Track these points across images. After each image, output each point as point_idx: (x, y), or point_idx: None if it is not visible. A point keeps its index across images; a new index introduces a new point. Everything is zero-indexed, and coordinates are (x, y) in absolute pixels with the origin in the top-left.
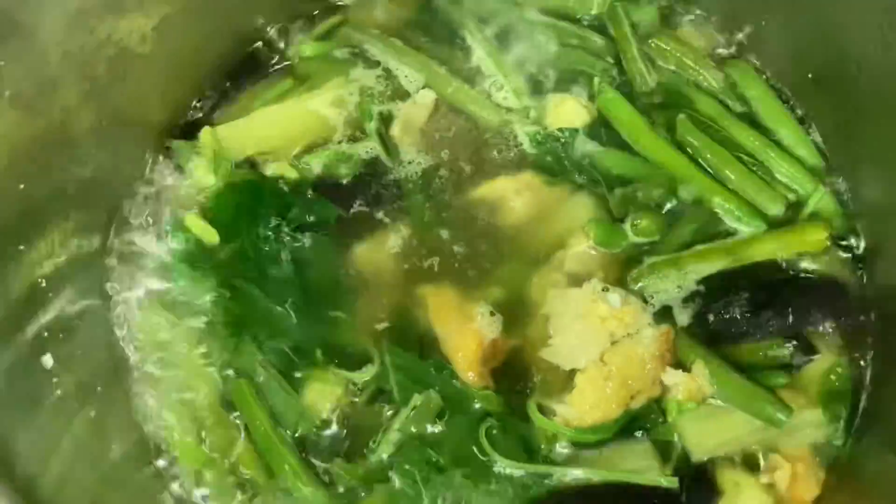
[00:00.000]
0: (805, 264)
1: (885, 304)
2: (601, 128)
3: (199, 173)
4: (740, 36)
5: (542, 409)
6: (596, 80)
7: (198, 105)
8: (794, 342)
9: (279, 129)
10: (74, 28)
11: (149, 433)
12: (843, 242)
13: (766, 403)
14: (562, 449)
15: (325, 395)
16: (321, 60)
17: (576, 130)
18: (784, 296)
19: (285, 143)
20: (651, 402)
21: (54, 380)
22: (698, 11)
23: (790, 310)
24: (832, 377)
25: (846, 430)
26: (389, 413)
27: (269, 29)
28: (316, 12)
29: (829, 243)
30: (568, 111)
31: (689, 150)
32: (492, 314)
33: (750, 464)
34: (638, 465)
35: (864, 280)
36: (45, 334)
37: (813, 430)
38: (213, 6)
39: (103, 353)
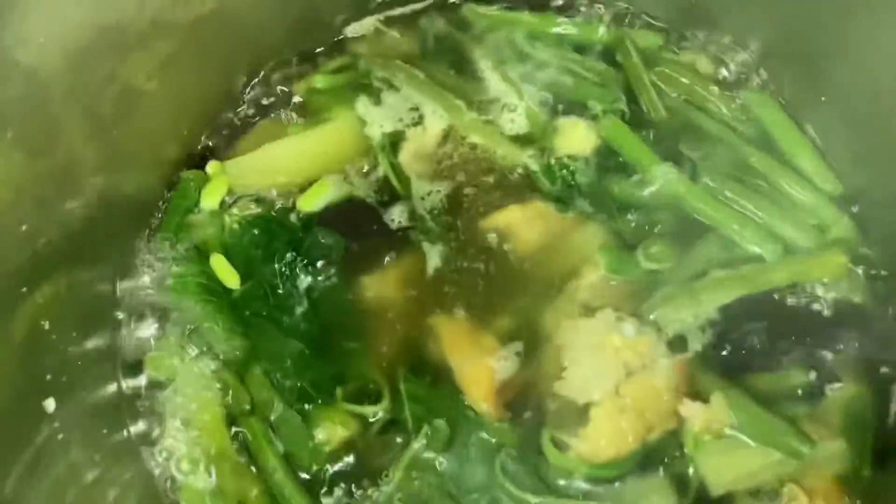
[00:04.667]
0: (824, 290)
1: None
2: (611, 154)
3: (209, 207)
4: (749, 59)
5: (557, 443)
6: (600, 108)
7: (208, 141)
8: (815, 371)
9: (289, 162)
10: (77, 67)
11: (156, 475)
12: (864, 268)
13: (787, 435)
14: (578, 482)
15: (337, 430)
16: (332, 94)
17: (585, 157)
18: (804, 324)
19: (295, 177)
20: (668, 435)
21: (56, 424)
22: (703, 35)
23: (810, 338)
24: (855, 406)
25: (871, 460)
26: (400, 443)
27: (277, 64)
28: (324, 47)
29: (848, 269)
30: (578, 136)
31: (710, 188)
32: (517, 354)
33: (771, 497)
34: (655, 500)
35: (886, 305)
36: (48, 377)
37: (836, 461)
38: (219, 43)
39: (110, 395)
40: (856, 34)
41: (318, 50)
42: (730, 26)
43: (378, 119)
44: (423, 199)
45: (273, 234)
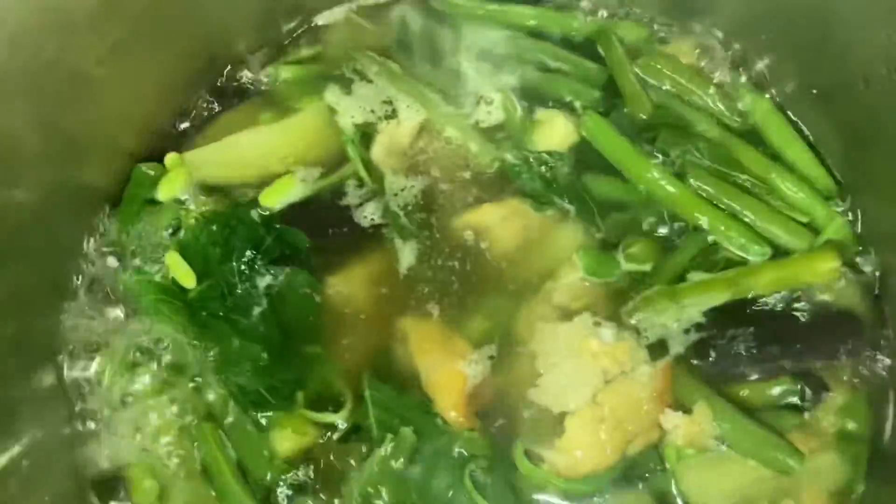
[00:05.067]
0: (816, 295)
1: None
2: (591, 149)
3: (165, 200)
4: (740, 51)
5: (531, 455)
6: (578, 104)
7: (168, 132)
8: (805, 380)
9: (253, 155)
10: (16, 47)
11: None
12: (857, 271)
13: (775, 448)
14: (553, 497)
15: (295, 438)
16: (300, 84)
17: (564, 153)
18: (793, 329)
19: (259, 171)
20: (649, 447)
21: None
22: (690, 28)
23: (799, 345)
24: (848, 417)
25: (866, 474)
26: (363, 453)
27: (242, 52)
28: (293, 35)
29: (841, 272)
30: (557, 131)
31: (695, 187)
32: (490, 358)
33: None
34: None
35: (881, 310)
36: None
37: (829, 475)
38: (179, 28)
39: (51, 394)
40: (846, 25)
41: (286, 38)
42: (718, 18)
43: (348, 110)
44: (396, 195)
45: (232, 230)
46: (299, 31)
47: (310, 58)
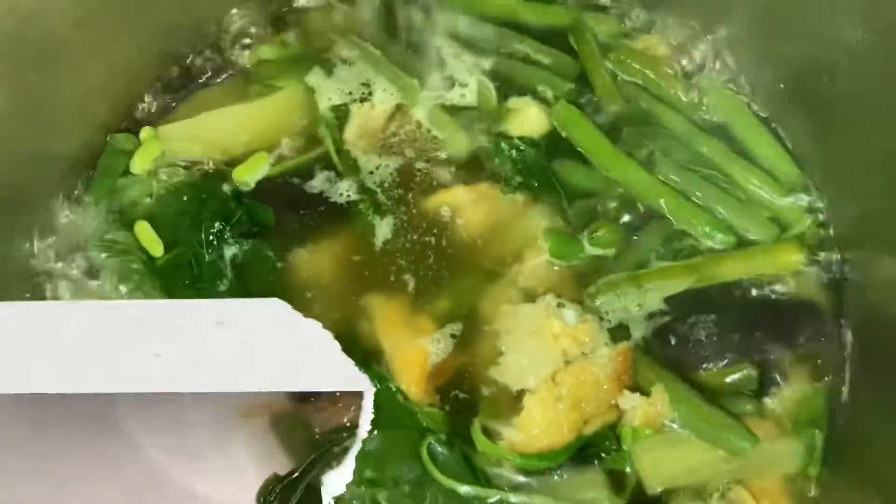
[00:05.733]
0: (777, 285)
1: (862, 327)
2: (562, 137)
3: (139, 173)
4: (708, 46)
5: (488, 432)
6: (551, 94)
7: (145, 106)
8: (763, 367)
9: (227, 131)
10: None
11: None
12: (819, 262)
13: (729, 431)
14: (509, 472)
15: None
16: (279, 65)
17: (535, 139)
18: (753, 317)
19: (233, 147)
20: (606, 427)
21: None
22: (660, 21)
23: (759, 333)
24: (805, 404)
25: (821, 460)
26: None
27: (223, 28)
28: (274, 15)
29: (803, 264)
30: (529, 118)
31: (662, 178)
32: (453, 336)
33: (711, 497)
34: (588, 495)
35: (841, 301)
36: None
37: (784, 460)
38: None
39: None
40: (810, 19)
41: (268, 17)
42: (688, 12)
43: (327, 91)
44: (363, 174)
45: (202, 202)
46: (281, 11)
47: (290, 38)
